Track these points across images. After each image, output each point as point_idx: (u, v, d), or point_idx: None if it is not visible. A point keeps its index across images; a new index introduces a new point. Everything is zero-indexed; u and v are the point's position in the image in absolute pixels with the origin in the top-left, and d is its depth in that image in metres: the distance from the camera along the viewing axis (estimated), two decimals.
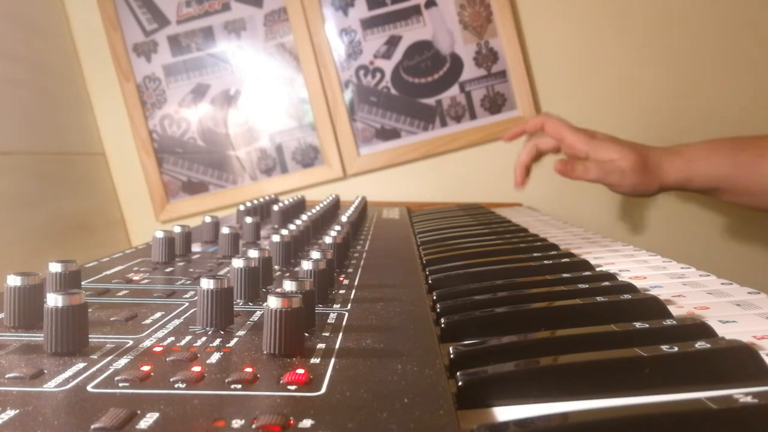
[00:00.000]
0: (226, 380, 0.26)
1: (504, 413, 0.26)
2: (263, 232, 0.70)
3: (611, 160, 0.86)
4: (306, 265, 0.40)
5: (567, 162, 0.88)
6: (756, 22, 1.21)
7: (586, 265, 0.51)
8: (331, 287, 0.43)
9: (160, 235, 0.53)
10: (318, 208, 0.76)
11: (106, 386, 0.25)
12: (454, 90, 1.23)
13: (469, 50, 1.23)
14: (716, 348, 0.28)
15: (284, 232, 0.53)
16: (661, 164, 0.86)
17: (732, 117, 1.20)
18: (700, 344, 0.29)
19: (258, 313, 0.37)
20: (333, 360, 0.29)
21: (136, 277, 0.47)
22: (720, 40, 1.21)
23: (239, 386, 0.26)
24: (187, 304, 0.39)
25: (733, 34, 1.21)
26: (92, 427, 0.22)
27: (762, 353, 0.29)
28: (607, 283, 0.43)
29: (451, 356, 0.31)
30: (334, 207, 0.87)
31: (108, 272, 0.49)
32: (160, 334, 0.33)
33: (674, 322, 0.33)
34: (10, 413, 0.23)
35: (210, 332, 0.33)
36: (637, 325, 0.32)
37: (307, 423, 0.22)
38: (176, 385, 0.26)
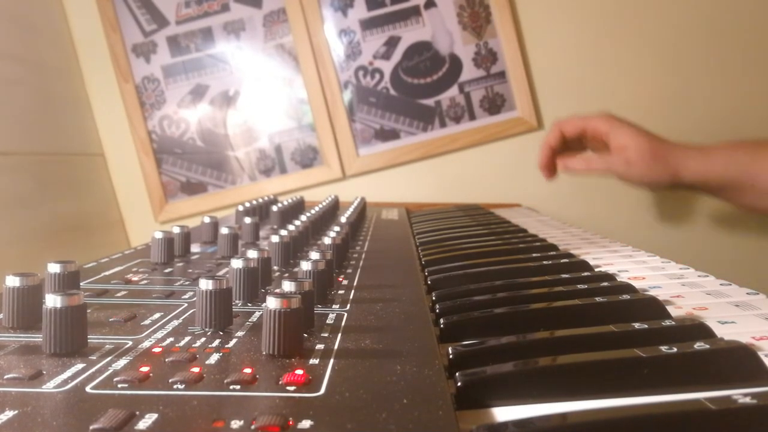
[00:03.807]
0: (225, 381, 0.26)
1: (503, 413, 0.26)
2: (262, 233, 0.70)
3: (620, 148, 0.85)
4: (305, 266, 0.40)
5: (566, 158, 0.88)
6: (755, 22, 1.21)
7: (585, 265, 0.51)
8: (330, 288, 0.43)
9: (159, 235, 0.53)
10: (317, 208, 0.76)
11: (105, 387, 0.25)
12: (454, 91, 1.23)
13: (469, 51, 1.23)
14: (715, 349, 0.28)
15: (283, 232, 0.53)
16: (675, 155, 0.84)
17: (733, 118, 1.20)
18: (699, 345, 0.29)
19: (257, 314, 0.37)
20: (332, 360, 0.29)
21: (135, 278, 0.47)
22: (720, 40, 1.21)
23: (238, 387, 0.26)
24: (186, 304, 0.39)
25: (733, 35, 1.21)
26: (91, 427, 0.22)
27: (761, 354, 0.29)
28: (606, 284, 0.43)
29: (450, 357, 0.31)
30: (333, 208, 0.87)
31: (107, 273, 0.49)
32: (159, 334, 0.33)
33: (673, 323, 0.34)
34: (9, 414, 0.23)
35: (209, 333, 0.33)
36: (636, 325, 0.32)
37: (306, 423, 0.22)
38: (175, 386, 0.25)
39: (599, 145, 0.91)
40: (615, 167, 0.86)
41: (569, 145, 0.94)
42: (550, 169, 0.94)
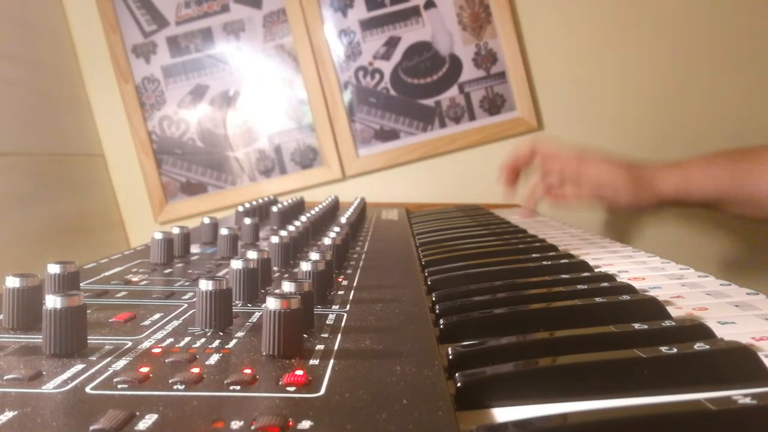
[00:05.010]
0: (225, 381, 0.26)
1: (503, 414, 0.26)
2: (262, 233, 0.70)
3: (599, 185, 0.86)
4: (305, 266, 0.40)
5: (558, 194, 0.89)
6: (754, 25, 1.21)
7: (585, 266, 0.51)
8: (330, 288, 0.43)
9: (158, 236, 0.53)
10: (317, 209, 0.76)
11: (104, 387, 0.25)
12: (453, 91, 1.23)
13: (468, 51, 1.23)
14: (715, 349, 0.28)
15: (283, 233, 0.53)
16: (655, 178, 0.85)
17: (731, 117, 1.20)
18: (698, 345, 0.29)
19: (257, 315, 0.37)
20: (332, 361, 0.29)
21: (134, 279, 0.47)
22: (719, 40, 1.21)
23: (238, 387, 0.26)
24: (186, 305, 0.39)
25: (732, 35, 1.21)
26: (91, 428, 0.22)
27: (761, 354, 0.29)
28: (606, 284, 0.43)
29: (450, 357, 0.31)
30: (333, 208, 0.87)
31: (107, 273, 0.49)
32: (158, 335, 0.33)
33: (673, 323, 0.34)
34: (9, 414, 0.23)
35: (209, 333, 0.33)
36: (636, 326, 0.32)
37: (306, 424, 0.22)
38: (175, 387, 0.25)
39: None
40: (603, 193, 0.88)
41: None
42: (512, 183, 0.97)
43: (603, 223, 1.21)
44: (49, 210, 1.04)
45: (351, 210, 0.77)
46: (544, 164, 0.93)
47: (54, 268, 0.37)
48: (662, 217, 1.22)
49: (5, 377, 0.26)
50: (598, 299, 0.38)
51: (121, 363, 0.28)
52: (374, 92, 1.24)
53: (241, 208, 0.83)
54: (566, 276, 0.47)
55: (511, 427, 0.24)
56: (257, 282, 0.41)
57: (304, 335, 0.32)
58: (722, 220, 1.20)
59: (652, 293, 0.42)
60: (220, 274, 0.50)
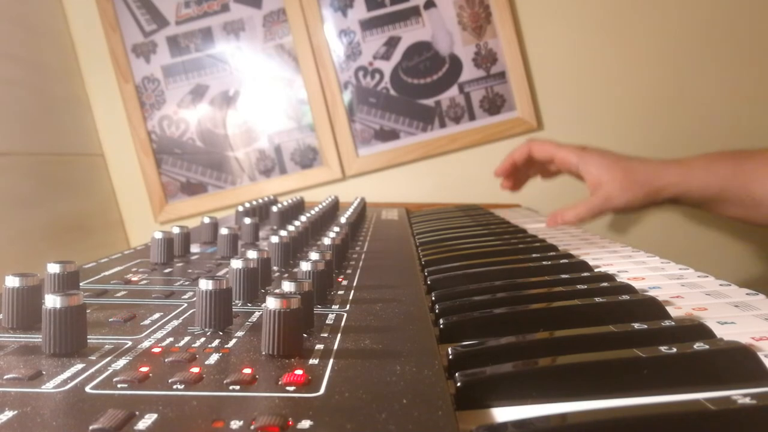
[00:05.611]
0: (225, 381, 0.26)
1: (503, 414, 0.26)
2: (262, 233, 0.70)
3: (596, 185, 0.85)
4: (305, 266, 0.40)
5: (555, 214, 0.88)
6: (754, 24, 1.21)
7: (584, 265, 0.51)
8: (330, 288, 0.43)
9: (158, 235, 0.53)
10: (317, 209, 0.76)
11: (104, 387, 0.25)
12: (453, 91, 1.23)
13: (468, 51, 1.23)
14: (714, 349, 0.28)
15: (283, 233, 0.53)
16: (655, 174, 0.83)
17: (732, 118, 1.20)
18: (698, 345, 0.29)
19: (257, 314, 0.37)
20: (331, 361, 0.29)
21: (134, 278, 0.47)
22: (719, 39, 1.21)
23: (238, 387, 0.26)
24: (185, 305, 0.39)
25: (731, 35, 1.21)
26: (90, 428, 0.22)
27: (760, 354, 0.29)
28: (605, 284, 0.43)
29: (450, 357, 0.31)
30: (333, 208, 0.87)
31: (106, 273, 0.49)
32: (158, 335, 0.33)
33: (672, 323, 0.34)
34: (9, 414, 0.23)
35: (208, 333, 0.33)
36: (636, 325, 0.32)
37: (305, 424, 0.22)
38: (175, 386, 0.25)
39: (568, 173, 0.92)
40: (598, 206, 0.86)
41: (534, 165, 0.96)
42: (509, 180, 0.97)
43: (603, 223, 1.21)
44: (49, 210, 1.04)
45: (351, 210, 0.77)
46: (543, 154, 0.92)
47: (54, 268, 0.37)
48: (662, 217, 1.22)
49: (5, 377, 0.26)
50: (597, 299, 0.38)
51: (121, 362, 0.28)
52: (374, 92, 1.24)
53: (241, 208, 0.83)
54: (566, 276, 0.47)
55: (511, 427, 0.24)
56: (257, 282, 0.41)
57: (304, 335, 0.32)
58: (722, 222, 1.20)
59: (651, 293, 0.42)
60: (220, 273, 0.50)
